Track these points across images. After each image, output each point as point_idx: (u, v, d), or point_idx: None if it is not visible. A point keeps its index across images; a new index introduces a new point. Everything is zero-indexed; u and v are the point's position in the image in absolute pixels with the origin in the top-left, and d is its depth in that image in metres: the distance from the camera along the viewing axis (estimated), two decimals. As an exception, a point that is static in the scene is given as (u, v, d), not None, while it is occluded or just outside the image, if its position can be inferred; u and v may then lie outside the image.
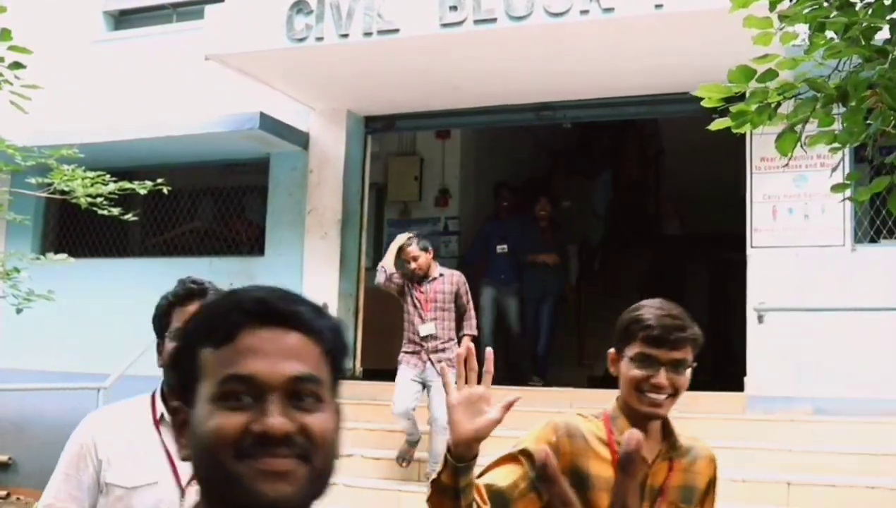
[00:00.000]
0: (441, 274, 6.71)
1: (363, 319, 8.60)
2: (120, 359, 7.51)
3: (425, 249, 6.68)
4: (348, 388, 7.99)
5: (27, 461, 9.03)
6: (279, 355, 1.11)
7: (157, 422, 2.32)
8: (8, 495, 8.49)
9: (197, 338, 1.15)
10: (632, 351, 2.21)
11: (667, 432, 2.27)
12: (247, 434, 1.07)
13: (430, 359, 6.51)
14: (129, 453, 2.29)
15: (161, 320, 2.40)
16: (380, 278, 6.80)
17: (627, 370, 2.22)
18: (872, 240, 6.96)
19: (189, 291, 2.37)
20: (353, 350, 8.44)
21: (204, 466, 1.11)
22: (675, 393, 2.20)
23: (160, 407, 2.34)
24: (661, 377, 2.16)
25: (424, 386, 6.55)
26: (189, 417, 1.13)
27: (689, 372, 2.21)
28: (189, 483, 2.22)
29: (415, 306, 6.65)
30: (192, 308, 2.28)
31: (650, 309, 2.22)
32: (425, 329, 6.57)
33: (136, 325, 8.40)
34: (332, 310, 8.69)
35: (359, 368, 8.48)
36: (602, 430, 2.26)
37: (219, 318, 1.14)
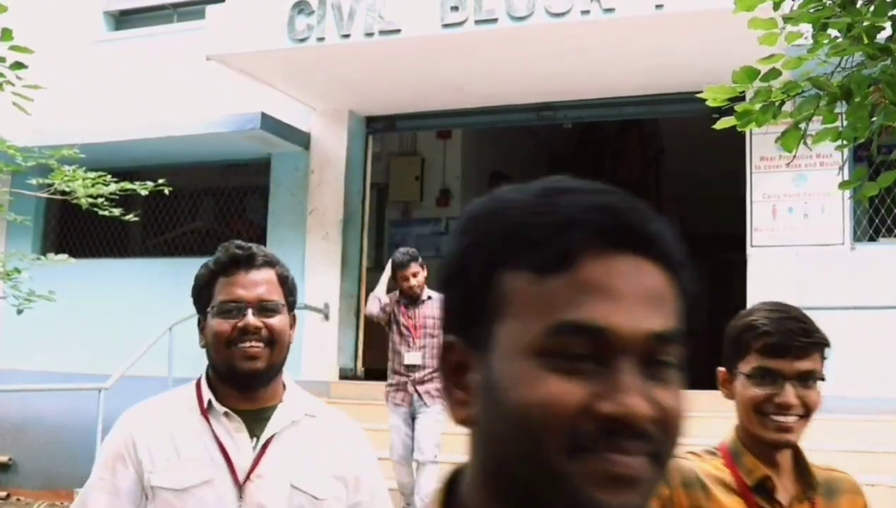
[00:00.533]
0: (430, 297, 6.18)
1: (364, 319, 8.61)
2: (121, 360, 7.51)
3: (422, 265, 6.25)
4: (350, 388, 7.95)
5: (27, 462, 9.04)
6: (639, 300, 0.75)
7: (206, 411, 1.98)
8: (8, 496, 8.50)
9: (501, 252, 0.77)
10: (747, 366, 1.83)
11: (800, 465, 1.87)
12: (587, 416, 0.73)
13: (416, 391, 6.13)
14: (176, 450, 1.96)
15: (202, 292, 2.01)
16: (372, 309, 6.42)
17: (744, 390, 1.83)
18: (871, 239, 6.97)
19: (233, 258, 1.98)
20: (354, 350, 8.45)
21: (508, 448, 0.76)
22: (806, 413, 1.83)
23: (206, 394, 2.00)
24: (788, 394, 1.79)
25: (413, 418, 6.16)
26: (476, 365, 0.78)
27: (819, 385, 1.85)
28: (248, 478, 1.93)
29: (401, 334, 6.25)
30: (239, 278, 1.97)
31: (764, 312, 1.86)
32: (411, 357, 6.15)
33: (137, 325, 8.45)
34: (334, 311, 8.61)
35: (360, 368, 8.48)
36: (723, 471, 1.84)
37: (544, 229, 0.76)
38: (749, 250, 7.12)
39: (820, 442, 6.11)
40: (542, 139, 11.70)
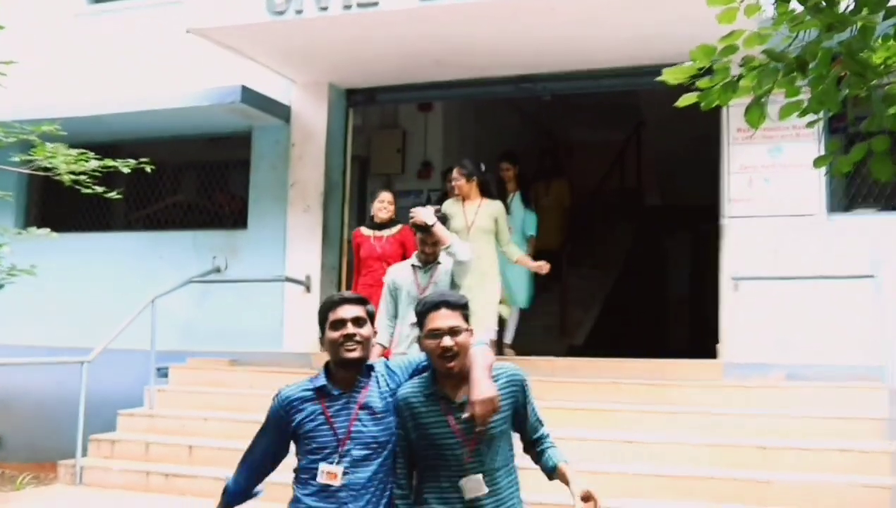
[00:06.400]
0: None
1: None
2: (104, 333, 7.54)
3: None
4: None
5: (12, 435, 9.07)
6: None
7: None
8: (-5, 470, 8.52)
9: None
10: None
11: None
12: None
13: None
14: None
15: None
16: None
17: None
18: (847, 209, 7.07)
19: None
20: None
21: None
22: None
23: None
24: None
25: None
26: None
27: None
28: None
29: None
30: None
31: None
32: None
33: (119, 299, 8.45)
34: (315, 283, 8.63)
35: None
36: None
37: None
38: (725, 221, 7.21)
39: (793, 409, 6.25)
40: (524, 110, 11.73)
